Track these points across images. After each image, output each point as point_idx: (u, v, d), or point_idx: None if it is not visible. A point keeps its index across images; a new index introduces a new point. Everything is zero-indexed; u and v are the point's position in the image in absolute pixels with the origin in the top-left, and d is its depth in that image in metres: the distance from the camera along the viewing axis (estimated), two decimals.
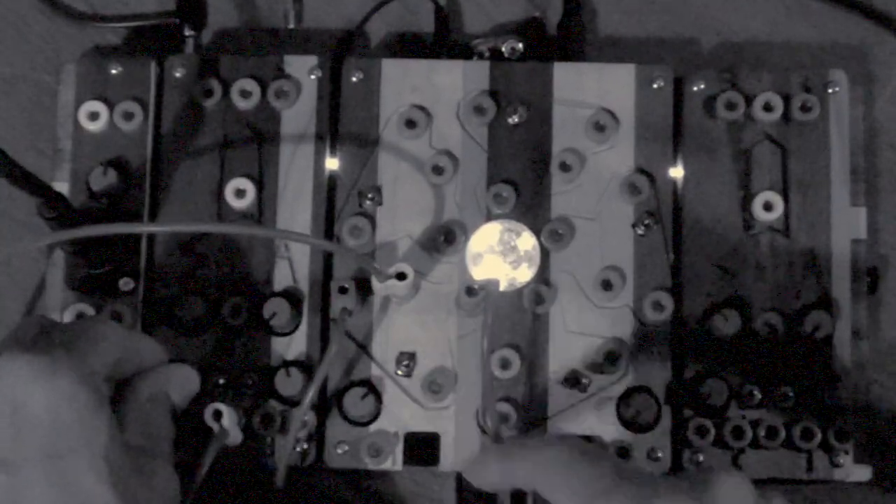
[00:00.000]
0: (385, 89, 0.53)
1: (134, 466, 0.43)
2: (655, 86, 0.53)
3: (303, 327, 0.51)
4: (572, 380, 0.51)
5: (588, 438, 0.51)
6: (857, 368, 0.52)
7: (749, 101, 0.53)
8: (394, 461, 0.51)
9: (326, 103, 0.53)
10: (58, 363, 0.42)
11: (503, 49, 0.55)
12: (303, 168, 0.53)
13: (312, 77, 0.53)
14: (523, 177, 0.52)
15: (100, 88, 0.53)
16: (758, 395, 0.51)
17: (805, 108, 0.52)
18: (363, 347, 0.51)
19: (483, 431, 0.51)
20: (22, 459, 0.41)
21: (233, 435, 0.49)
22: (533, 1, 0.58)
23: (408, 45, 0.58)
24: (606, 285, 0.51)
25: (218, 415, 0.49)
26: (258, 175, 0.52)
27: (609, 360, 0.51)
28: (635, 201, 0.52)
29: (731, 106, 0.52)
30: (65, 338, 0.44)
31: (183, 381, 0.48)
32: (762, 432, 0.50)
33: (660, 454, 0.50)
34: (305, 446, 0.50)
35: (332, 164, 0.53)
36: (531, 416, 0.51)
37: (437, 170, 0.52)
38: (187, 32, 0.55)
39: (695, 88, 0.53)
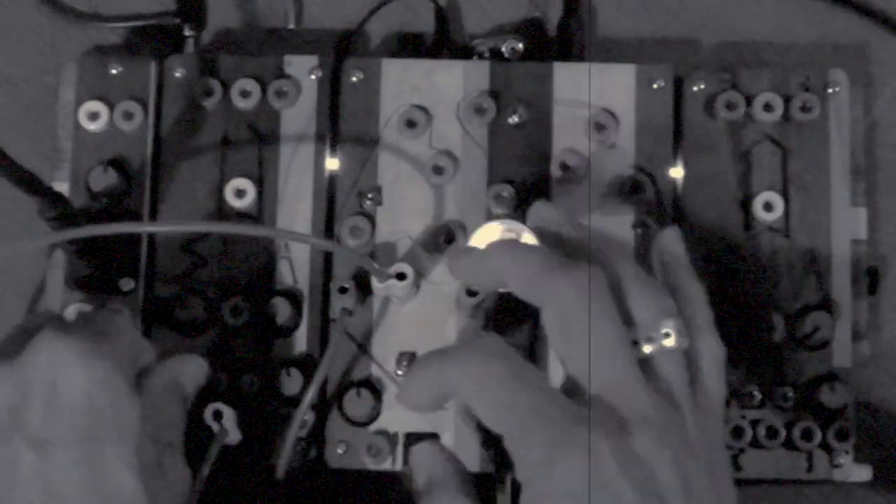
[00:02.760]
0: (385, 89, 0.53)
1: (153, 458, 0.44)
2: (655, 86, 0.53)
3: (303, 327, 0.51)
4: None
5: None
6: (857, 368, 0.52)
7: (749, 101, 0.53)
8: (394, 461, 0.51)
9: (326, 103, 0.53)
10: (99, 348, 0.42)
11: (503, 49, 0.55)
12: (303, 168, 0.53)
13: (312, 77, 0.53)
14: (523, 177, 0.52)
15: (100, 88, 0.53)
16: (758, 395, 0.51)
17: (805, 108, 0.52)
18: (363, 347, 0.51)
19: (484, 431, 0.51)
20: (55, 440, 0.41)
21: (233, 435, 0.49)
22: (533, 1, 0.58)
23: (408, 45, 0.58)
24: None
25: (218, 415, 0.49)
26: (258, 175, 0.53)
27: None
28: (635, 201, 0.52)
29: (731, 106, 0.52)
30: (101, 321, 0.44)
31: (194, 372, 0.48)
32: (762, 432, 0.50)
33: None
34: (305, 446, 0.50)
35: (332, 164, 0.53)
36: None
37: (437, 170, 0.52)
38: (187, 32, 0.55)
39: (695, 88, 0.53)
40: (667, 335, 0.42)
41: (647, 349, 0.42)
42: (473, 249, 0.46)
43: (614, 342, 0.41)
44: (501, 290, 0.45)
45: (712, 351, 0.44)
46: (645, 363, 0.42)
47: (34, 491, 0.41)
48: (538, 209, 0.47)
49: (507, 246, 0.44)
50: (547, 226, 0.46)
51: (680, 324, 0.42)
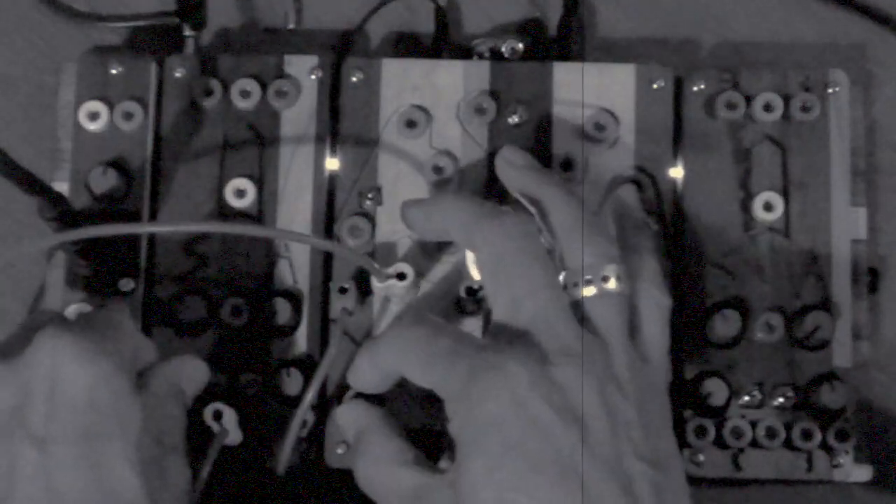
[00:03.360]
0: (385, 89, 0.53)
1: (154, 457, 0.44)
2: (655, 86, 0.53)
3: (303, 327, 0.51)
4: None
5: None
6: (857, 368, 0.52)
7: (749, 101, 0.53)
8: None
9: (326, 103, 0.53)
10: (101, 347, 0.42)
11: (503, 49, 0.55)
12: (303, 168, 0.53)
13: (312, 77, 0.53)
14: None
15: (100, 88, 0.53)
16: (758, 395, 0.51)
17: (805, 108, 0.52)
18: None
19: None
20: (56, 438, 0.41)
21: (233, 435, 0.49)
22: (533, 1, 0.58)
23: (408, 45, 0.58)
24: None
25: (218, 415, 0.49)
26: (258, 175, 0.53)
27: None
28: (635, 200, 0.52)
29: (731, 106, 0.52)
30: (103, 321, 0.45)
31: (194, 373, 0.48)
32: (762, 432, 0.50)
33: None
34: (305, 446, 0.50)
35: (332, 164, 0.53)
36: None
37: (437, 170, 0.52)
38: (187, 32, 0.55)
39: (695, 88, 0.53)
40: (605, 279, 0.43)
41: (586, 292, 0.43)
42: (422, 201, 0.49)
43: (540, 281, 0.43)
44: (444, 239, 0.49)
45: (656, 300, 0.45)
46: (581, 306, 0.43)
47: (35, 488, 0.41)
48: (505, 152, 0.49)
49: (448, 196, 0.48)
50: (513, 169, 0.49)
51: (621, 270, 0.44)
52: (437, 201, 0.48)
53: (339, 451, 0.50)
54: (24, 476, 0.41)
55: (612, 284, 0.43)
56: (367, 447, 0.46)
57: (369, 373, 0.47)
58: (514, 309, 0.43)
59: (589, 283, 0.43)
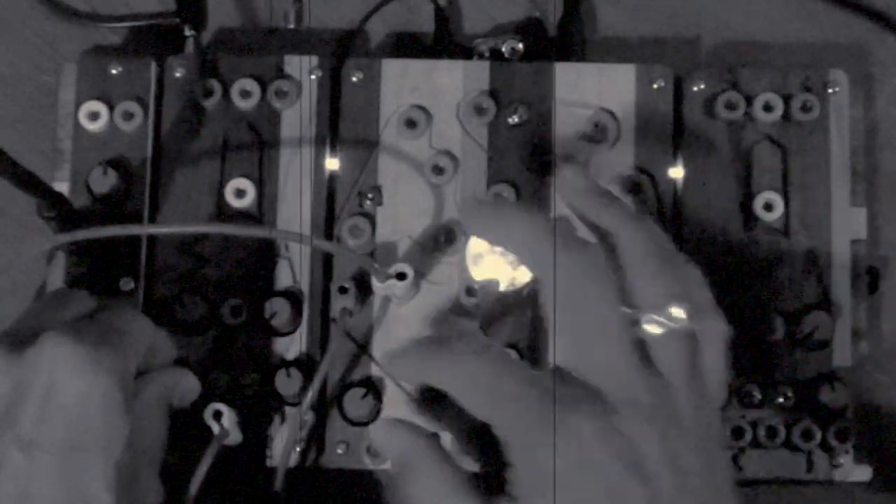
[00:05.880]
0: (385, 89, 0.53)
1: (130, 472, 0.44)
2: (655, 86, 0.53)
3: (303, 327, 0.51)
4: None
5: None
6: (857, 368, 0.52)
7: (749, 101, 0.53)
8: None
9: (326, 103, 0.53)
10: (101, 359, 0.42)
11: (503, 49, 0.55)
12: (303, 168, 0.53)
13: (312, 77, 0.53)
14: (523, 177, 0.52)
15: (100, 88, 0.53)
16: (758, 395, 0.51)
17: (805, 108, 0.52)
18: (363, 347, 0.51)
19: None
20: (42, 444, 0.41)
21: (233, 435, 0.49)
22: (533, 1, 0.58)
23: (408, 45, 0.58)
24: None
25: (218, 415, 0.49)
26: (258, 175, 0.53)
27: None
28: (636, 201, 0.52)
29: (731, 106, 0.52)
30: (110, 331, 0.44)
31: (186, 389, 0.48)
32: (762, 432, 0.50)
33: None
34: (305, 446, 0.50)
35: (332, 164, 0.53)
36: None
37: (437, 170, 0.52)
38: (187, 32, 0.55)
39: (695, 88, 0.53)
40: (674, 317, 0.42)
41: (652, 330, 0.42)
42: (491, 206, 0.47)
43: (607, 323, 0.41)
44: (504, 250, 0.46)
45: (716, 331, 0.43)
46: (646, 346, 0.41)
47: (11, 489, 0.41)
48: (567, 174, 0.46)
49: (523, 212, 0.44)
50: (576, 194, 0.46)
51: (687, 308, 0.42)
52: (510, 214, 0.45)
53: (339, 451, 0.50)
54: (4, 475, 0.41)
55: (680, 322, 0.42)
56: (419, 476, 0.43)
57: (412, 372, 0.44)
58: (580, 351, 0.41)
59: (657, 321, 0.42)
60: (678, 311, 0.42)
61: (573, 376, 0.41)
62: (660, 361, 0.42)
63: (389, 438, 0.44)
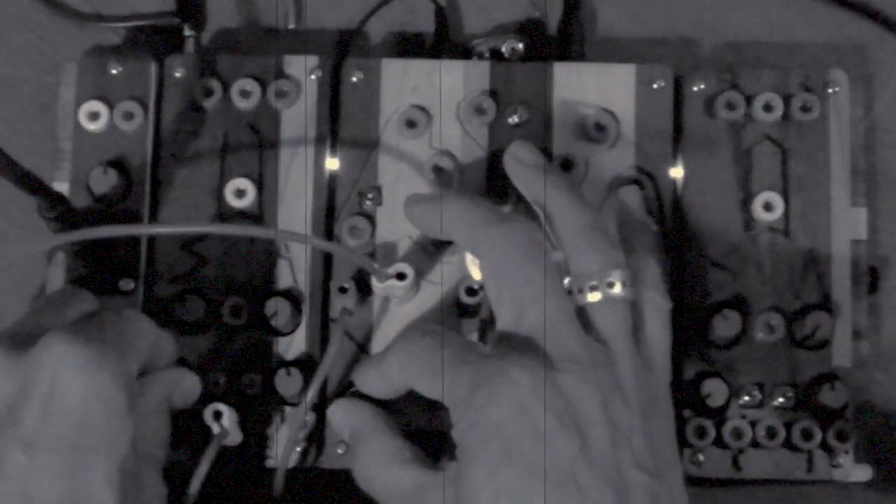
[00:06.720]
0: (385, 89, 0.53)
1: (134, 473, 0.43)
2: (655, 86, 0.53)
3: (303, 327, 0.51)
4: None
5: None
6: (857, 368, 0.52)
7: (749, 101, 0.53)
8: None
9: (326, 103, 0.53)
10: (105, 360, 0.42)
11: (503, 49, 0.55)
12: (303, 168, 0.53)
13: (312, 77, 0.53)
14: None
15: (100, 88, 0.53)
16: (758, 395, 0.51)
17: (805, 108, 0.52)
18: (363, 347, 0.51)
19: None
20: (44, 445, 0.41)
21: (233, 435, 0.49)
22: (533, 1, 0.58)
23: (408, 45, 0.58)
24: None
25: (218, 415, 0.49)
26: (258, 175, 0.53)
27: None
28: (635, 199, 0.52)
29: (731, 106, 0.52)
30: (113, 331, 0.44)
31: (188, 390, 0.48)
32: (762, 432, 0.50)
33: None
34: (305, 446, 0.50)
35: (332, 164, 0.53)
36: None
37: (437, 170, 0.52)
38: (187, 32, 0.55)
39: (695, 88, 0.53)
40: (611, 285, 0.43)
41: (591, 298, 0.43)
42: (426, 197, 0.48)
43: (544, 289, 0.43)
44: (445, 239, 0.48)
45: (656, 304, 0.45)
46: (586, 312, 0.43)
47: (13, 489, 0.41)
48: (514, 148, 0.49)
49: (454, 197, 0.47)
50: (521, 167, 0.48)
51: (626, 275, 0.44)
52: (442, 201, 0.47)
53: (339, 451, 0.50)
54: (5, 475, 0.41)
55: (617, 290, 0.43)
56: (366, 446, 0.46)
57: (378, 385, 0.47)
58: (519, 316, 0.43)
59: (594, 288, 0.43)
60: (615, 279, 0.43)
61: (514, 336, 0.43)
62: (599, 328, 0.43)
63: (342, 416, 0.49)
